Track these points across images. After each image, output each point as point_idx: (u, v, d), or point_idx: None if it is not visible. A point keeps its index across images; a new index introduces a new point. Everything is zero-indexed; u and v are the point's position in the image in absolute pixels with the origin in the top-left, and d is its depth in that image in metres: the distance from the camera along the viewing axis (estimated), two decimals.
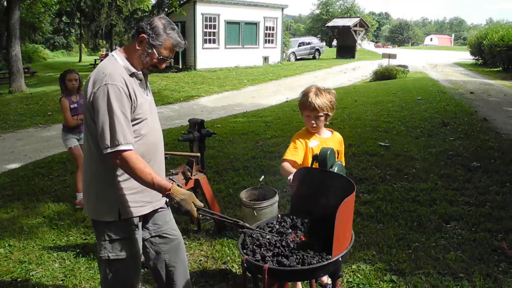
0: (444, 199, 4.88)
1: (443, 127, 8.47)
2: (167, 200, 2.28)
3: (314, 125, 2.80)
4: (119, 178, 2.31)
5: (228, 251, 3.89)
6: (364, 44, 58.19)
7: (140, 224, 2.44)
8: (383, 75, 19.36)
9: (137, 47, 2.31)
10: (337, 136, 2.98)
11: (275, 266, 1.85)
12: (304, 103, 2.81)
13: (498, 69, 22.57)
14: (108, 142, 2.14)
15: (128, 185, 2.32)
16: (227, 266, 3.69)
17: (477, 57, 28.04)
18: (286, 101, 14.39)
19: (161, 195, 2.29)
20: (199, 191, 4.12)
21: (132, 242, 2.41)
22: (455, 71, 23.50)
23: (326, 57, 36.88)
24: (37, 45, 42.89)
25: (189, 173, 3.98)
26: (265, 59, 27.60)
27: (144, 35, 2.28)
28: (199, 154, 3.95)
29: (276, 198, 4.10)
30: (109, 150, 2.15)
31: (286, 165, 2.70)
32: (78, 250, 4.05)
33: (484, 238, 3.98)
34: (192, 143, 4.08)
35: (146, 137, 2.35)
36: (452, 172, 5.79)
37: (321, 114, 2.78)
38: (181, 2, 23.11)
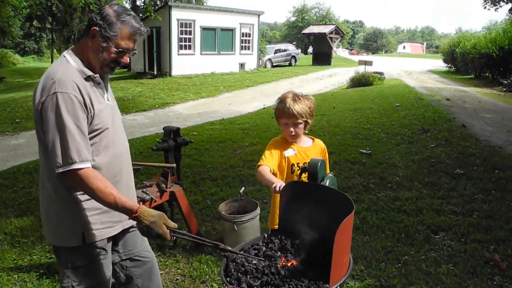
0: (431, 209, 4.72)
1: (423, 133, 8.39)
2: (135, 223, 1.99)
3: (293, 133, 2.59)
4: (82, 197, 2.02)
5: (206, 269, 3.61)
6: (339, 51, 58.77)
7: (109, 247, 2.15)
8: (360, 81, 19.39)
9: (90, 43, 2.00)
10: (319, 144, 2.76)
11: None
12: (281, 109, 2.60)
13: (470, 76, 22.93)
14: (59, 160, 1.85)
15: (92, 204, 2.03)
16: (206, 285, 3.41)
17: (450, 64, 28.47)
18: (263, 108, 14.18)
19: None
20: (174, 204, 3.85)
21: (100, 268, 2.11)
22: (430, 78, 23.78)
23: (302, 64, 36.93)
24: (6, 50, 41.61)
25: (163, 185, 3.70)
26: (242, 65, 27.40)
27: (95, 27, 1.97)
28: (174, 165, 3.67)
29: (258, 211, 3.87)
30: (61, 170, 1.86)
31: (263, 168, 2.49)
32: (42, 271, 3.69)
33: (475, 249, 3.82)
34: (167, 153, 3.80)
35: (109, 149, 2.06)
36: (436, 180, 5.66)
37: (300, 121, 2.58)
38: (156, 7, 22.75)
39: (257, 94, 18.27)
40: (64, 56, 2.03)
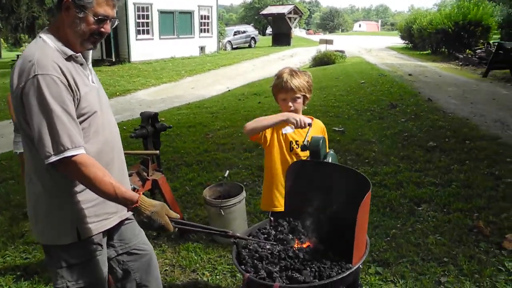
0: (410, 181, 4.78)
1: (392, 109, 8.51)
2: (134, 214, 1.85)
3: (292, 108, 2.52)
4: (75, 189, 1.85)
5: (195, 257, 3.50)
6: (296, 31, 58.78)
7: (104, 241, 2.00)
8: (322, 60, 19.46)
9: (65, 18, 1.79)
10: (318, 123, 2.70)
11: (287, 284, 1.51)
12: (278, 84, 2.54)
13: (427, 51, 23.49)
14: (49, 149, 1.67)
15: (86, 196, 1.87)
16: (197, 274, 3.31)
17: (407, 41, 29.07)
18: (228, 90, 14.04)
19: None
20: (156, 192, 3.70)
21: (96, 265, 1.97)
22: (389, 55, 24.20)
23: (262, 45, 36.71)
24: None
25: (145, 174, 3.54)
26: (202, 49, 26.96)
27: None
28: (158, 152, 3.51)
29: (243, 194, 3.79)
30: (53, 159, 1.67)
31: (258, 118, 2.44)
32: (19, 273, 3.47)
33: (458, 218, 3.89)
34: (146, 139, 3.63)
35: (99, 135, 1.88)
36: (411, 153, 5.74)
37: (298, 95, 2.52)
38: None
39: (219, 77, 18.06)
40: (40, 37, 1.83)
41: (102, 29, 1.84)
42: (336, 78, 13.74)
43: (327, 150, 2.31)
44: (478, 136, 6.30)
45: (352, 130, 7.14)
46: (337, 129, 7.17)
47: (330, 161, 2.18)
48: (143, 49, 23.03)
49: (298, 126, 2.29)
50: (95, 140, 1.87)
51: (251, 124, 2.40)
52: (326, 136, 2.70)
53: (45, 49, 1.77)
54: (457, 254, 3.33)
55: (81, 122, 1.80)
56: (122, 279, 2.18)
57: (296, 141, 2.55)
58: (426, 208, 4.17)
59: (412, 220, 3.94)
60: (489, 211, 4.00)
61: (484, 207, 4.07)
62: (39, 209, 1.88)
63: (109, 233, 2.06)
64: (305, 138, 2.35)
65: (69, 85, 1.74)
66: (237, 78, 17.20)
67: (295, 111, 2.52)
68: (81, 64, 1.88)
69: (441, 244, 3.49)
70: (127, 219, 2.10)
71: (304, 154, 2.57)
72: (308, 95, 2.56)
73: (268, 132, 2.52)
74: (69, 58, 1.81)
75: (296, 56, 26.01)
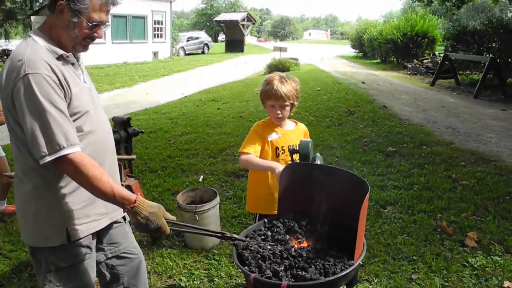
0: (375, 185, 4.95)
1: (350, 115, 8.78)
2: (128, 215, 1.83)
3: (280, 115, 2.59)
4: (64, 190, 1.81)
5: (171, 263, 3.47)
6: (248, 38, 59.33)
7: (93, 244, 1.96)
8: (277, 67, 19.70)
9: (58, 20, 1.77)
10: (302, 127, 2.80)
11: (294, 282, 1.55)
12: (268, 91, 2.59)
13: (377, 60, 24.39)
14: (44, 148, 1.64)
15: (75, 197, 1.84)
16: (174, 280, 3.28)
17: (358, 50, 30.05)
18: (185, 96, 13.92)
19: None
20: None
21: (84, 268, 1.93)
22: (341, 63, 24.92)
23: (215, 51, 36.77)
24: None
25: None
26: (155, 54, 26.63)
27: (61, 1, 1.73)
28: (134, 157, 3.46)
29: (217, 199, 3.80)
30: (48, 159, 1.65)
31: (250, 157, 2.47)
32: None
33: (423, 219, 4.09)
34: (118, 144, 3.58)
35: (91, 134, 1.86)
36: (373, 158, 5.95)
37: (287, 103, 2.59)
38: None
39: (174, 83, 17.90)
40: (30, 36, 1.79)
41: (95, 34, 1.84)
42: None
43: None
44: (434, 142, 6.63)
45: (313, 135, 7.18)
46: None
47: (318, 163, 2.26)
48: (95, 53, 22.38)
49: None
50: (87, 141, 1.84)
51: (245, 163, 2.49)
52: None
53: (35, 48, 1.74)
54: (425, 253, 3.50)
55: (73, 121, 1.77)
56: (110, 283, 2.14)
57: (282, 147, 2.61)
58: (392, 210, 4.35)
59: (380, 221, 4.09)
60: (450, 211, 4.23)
61: (445, 208, 4.30)
62: (28, 210, 1.83)
63: (99, 236, 2.02)
64: (290, 149, 2.47)
65: (60, 84, 1.71)
66: (192, 84, 17.10)
67: (282, 117, 2.59)
68: (73, 64, 1.85)
69: (409, 243, 3.66)
70: (116, 221, 2.07)
71: (288, 159, 2.63)
72: (295, 103, 2.63)
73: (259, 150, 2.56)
74: (60, 58, 1.78)
75: (251, 63, 26.24)
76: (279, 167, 2.25)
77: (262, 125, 2.66)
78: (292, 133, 2.70)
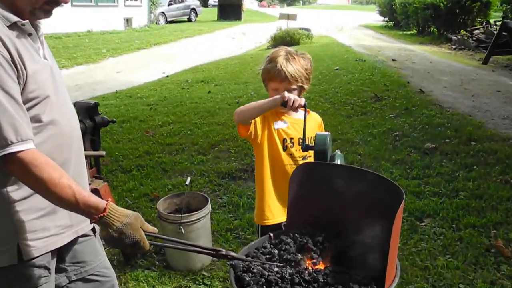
0: (408, 191, 4.97)
1: (377, 102, 8.81)
2: (97, 227, 1.83)
3: None
4: (15, 195, 1.80)
5: None
6: (246, 2, 59.22)
7: (53, 264, 1.96)
8: (284, 40, 19.71)
9: None
10: (315, 117, 2.82)
11: None
12: (271, 71, 2.60)
13: (412, 31, 24.39)
14: None
15: (30, 204, 1.83)
16: None
17: (387, 18, 30.03)
18: (166, 76, 13.94)
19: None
20: None
21: None
22: (365, 34, 24.93)
23: (204, 19, 36.75)
24: None
25: None
26: (128, 21, 26.62)
27: None
28: (104, 153, 3.47)
29: (209, 207, 3.82)
30: None
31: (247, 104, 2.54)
32: None
33: (471, 236, 4.10)
34: (83, 136, 3.57)
35: (52, 126, 1.85)
36: (406, 157, 5.97)
37: (294, 86, 2.59)
38: None
39: (152, 58, 17.92)
40: None
41: None
42: None
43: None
44: (486, 136, 6.65)
45: (330, 128, 7.30)
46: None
47: (338, 163, 2.27)
48: (49, 19, 22.37)
49: (289, 106, 2.35)
50: (47, 133, 1.83)
51: (240, 109, 2.50)
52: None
53: None
54: (475, 280, 3.52)
55: (28, 110, 1.76)
56: None
57: (291, 139, 2.63)
58: (431, 223, 4.37)
59: (416, 238, 4.11)
60: (508, 226, 4.25)
61: (502, 222, 4.32)
62: None
63: (60, 253, 2.02)
64: (303, 134, 2.43)
65: (13, 61, 1.70)
66: (176, 60, 17.12)
67: None
68: (30, 35, 1.84)
69: (454, 267, 3.67)
70: (84, 235, 2.07)
71: (301, 155, 2.64)
72: (305, 85, 2.63)
73: (259, 124, 2.57)
74: (13, 26, 1.76)
75: (250, 35, 26.28)
76: (283, 94, 2.35)
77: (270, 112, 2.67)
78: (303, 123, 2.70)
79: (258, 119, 2.57)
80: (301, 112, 2.70)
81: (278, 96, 2.38)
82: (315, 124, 2.76)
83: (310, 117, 2.75)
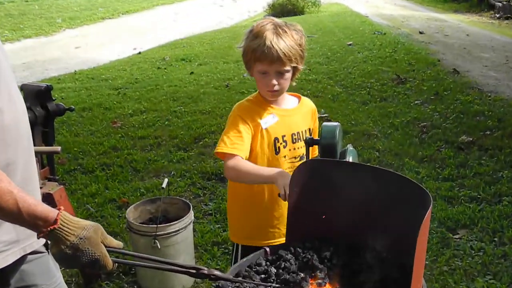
0: (438, 196, 4.99)
1: (400, 85, 8.84)
2: (49, 243, 1.84)
3: (276, 87, 2.54)
4: None
5: None
6: None
7: None
8: (284, 8, 19.80)
9: None
10: (308, 104, 2.80)
11: None
12: (257, 49, 2.50)
13: None
14: None
15: None
16: None
17: None
18: (138, 53, 13.95)
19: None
20: None
21: None
22: (386, 1, 24.93)
23: None
24: None
25: None
26: None
27: None
28: (59, 149, 3.47)
29: (191, 215, 3.83)
30: None
31: (239, 161, 2.44)
32: None
33: None
34: (32, 129, 3.58)
35: None
36: (435, 153, 5.99)
37: (287, 67, 2.54)
38: None
39: (120, 31, 17.96)
40: None
41: None
42: (309, 37, 13.99)
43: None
44: None
45: (341, 116, 7.34)
46: (318, 115, 7.34)
47: (350, 160, 2.29)
48: None
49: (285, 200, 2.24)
50: None
51: (234, 174, 2.46)
52: (316, 124, 2.84)
53: None
54: None
55: None
56: None
57: (283, 137, 2.59)
58: (467, 236, 4.38)
59: (448, 254, 4.12)
60: None
61: None
62: None
63: (4, 275, 2.03)
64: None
65: None
66: (150, 33, 17.14)
67: (280, 91, 2.56)
68: None
69: None
70: (34, 252, 2.08)
71: (295, 154, 2.62)
72: (300, 66, 2.60)
73: (248, 134, 2.55)
74: None
75: (242, 1, 26.23)
76: (283, 175, 2.24)
77: (246, 106, 2.62)
78: (295, 113, 2.67)
79: (247, 143, 2.54)
80: (291, 100, 2.72)
81: (279, 181, 2.25)
82: (307, 113, 2.74)
83: (302, 103, 2.75)
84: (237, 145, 2.47)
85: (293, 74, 2.61)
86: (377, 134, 6.66)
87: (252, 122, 2.56)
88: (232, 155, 2.44)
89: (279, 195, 2.23)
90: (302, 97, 2.79)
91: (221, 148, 2.47)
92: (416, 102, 7.91)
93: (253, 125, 2.56)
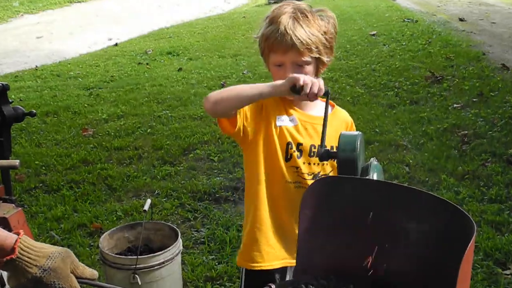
0: (483, 221, 4.99)
1: (435, 84, 8.84)
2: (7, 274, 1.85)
3: None
4: None
5: None
6: None
7: None
8: None
9: None
10: (342, 116, 2.82)
11: None
12: (270, 36, 2.54)
13: None
14: None
15: None
16: None
17: None
18: (115, 44, 14.00)
19: None
20: None
21: None
22: None
23: None
24: None
25: None
26: None
27: None
28: (18, 162, 3.49)
29: (179, 244, 3.83)
30: None
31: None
32: None
33: None
34: None
35: None
36: (479, 169, 5.99)
37: (306, 58, 2.54)
38: None
39: (92, 17, 18.01)
40: None
41: None
42: None
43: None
44: None
45: (363, 123, 7.35)
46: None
47: (375, 177, 2.29)
48: None
49: (305, 93, 2.27)
50: None
51: (216, 93, 2.44)
52: None
53: None
54: None
55: None
56: None
57: (299, 145, 2.59)
58: None
59: None
60: None
61: None
62: None
63: None
64: (322, 139, 2.41)
65: None
66: (129, 21, 17.19)
67: None
68: None
69: None
70: None
71: (311, 171, 2.62)
72: (325, 58, 2.60)
73: (250, 114, 2.53)
74: None
75: None
76: (296, 76, 2.24)
77: (269, 101, 2.63)
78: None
79: (249, 108, 2.52)
80: (320, 105, 2.67)
81: (280, 82, 2.33)
82: (340, 126, 2.73)
83: (334, 114, 2.74)
84: None
85: (317, 69, 2.61)
86: (407, 145, 6.66)
87: (268, 112, 2.58)
88: None
89: (293, 90, 2.25)
90: (337, 107, 2.79)
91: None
92: (455, 105, 7.91)
93: (268, 116, 2.57)
